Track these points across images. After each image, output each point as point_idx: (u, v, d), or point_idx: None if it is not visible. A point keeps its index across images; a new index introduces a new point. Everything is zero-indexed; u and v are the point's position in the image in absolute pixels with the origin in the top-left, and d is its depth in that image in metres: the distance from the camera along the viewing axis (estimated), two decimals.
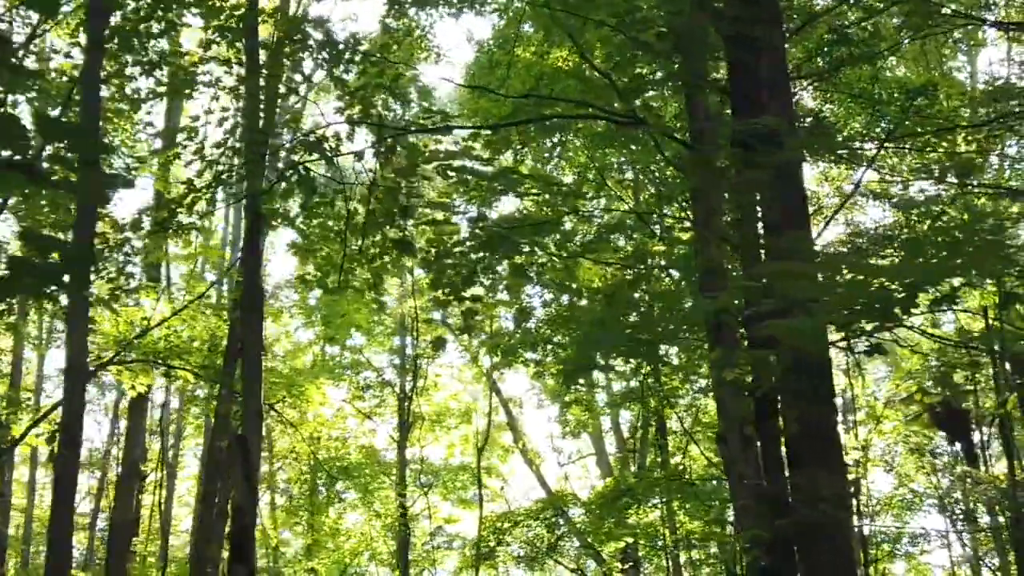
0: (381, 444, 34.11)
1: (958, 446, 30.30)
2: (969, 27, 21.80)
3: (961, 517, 21.04)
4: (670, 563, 28.07)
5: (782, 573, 10.95)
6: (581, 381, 30.48)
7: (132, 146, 14.43)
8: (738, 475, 12.53)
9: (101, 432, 33.20)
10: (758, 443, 11.67)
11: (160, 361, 17.72)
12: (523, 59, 20.85)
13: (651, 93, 13.18)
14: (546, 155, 23.17)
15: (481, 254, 11.35)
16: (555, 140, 21.44)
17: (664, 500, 24.34)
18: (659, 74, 11.78)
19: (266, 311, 32.74)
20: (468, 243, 11.64)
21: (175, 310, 17.80)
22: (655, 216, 17.90)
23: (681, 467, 25.03)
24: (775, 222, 11.17)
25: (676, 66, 11.12)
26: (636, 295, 13.04)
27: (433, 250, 11.67)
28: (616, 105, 11.73)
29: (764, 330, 9.58)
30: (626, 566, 26.47)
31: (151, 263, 19.14)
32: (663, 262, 12.13)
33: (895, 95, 19.14)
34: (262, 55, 12.05)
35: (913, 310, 7.11)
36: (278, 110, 12.18)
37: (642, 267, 11.94)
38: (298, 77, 11.89)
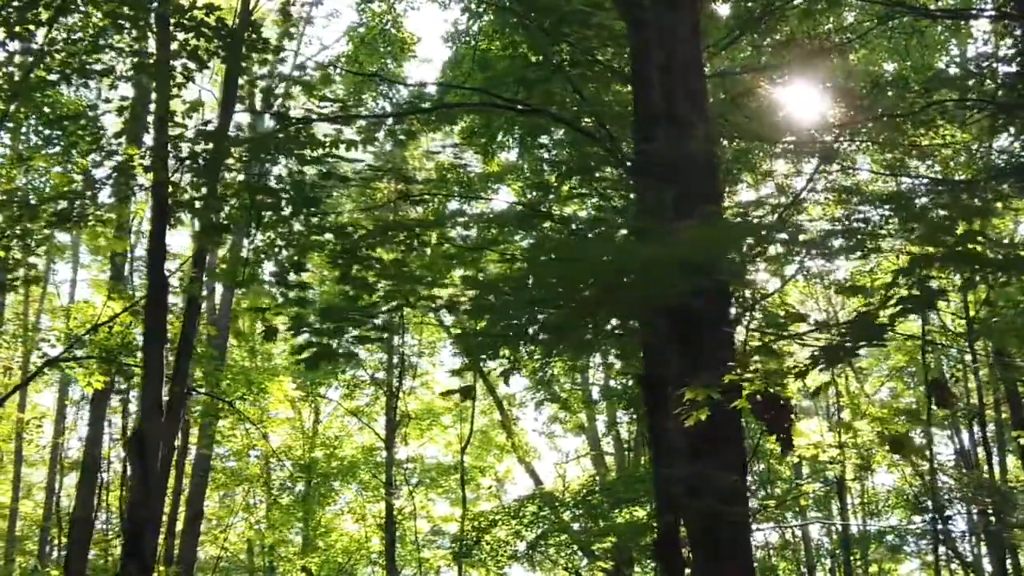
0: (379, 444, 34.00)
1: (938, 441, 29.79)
2: (959, 22, 21.54)
3: (937, 515, 20.65)
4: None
5: (675, 566, 10.72)
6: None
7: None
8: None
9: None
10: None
11: (111, 358, 17.64)
12: (488, 53, 20.71)
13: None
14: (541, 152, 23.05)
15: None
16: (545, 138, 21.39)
17: (643, 499, 23.99)
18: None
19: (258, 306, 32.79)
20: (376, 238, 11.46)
21: (124, 307, 17.68)
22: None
23: None
24: (685, 211, 10.95)
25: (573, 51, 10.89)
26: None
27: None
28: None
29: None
30: (608, 565, 26.21)
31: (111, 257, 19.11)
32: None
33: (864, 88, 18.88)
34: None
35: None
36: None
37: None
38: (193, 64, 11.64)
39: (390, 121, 11.63)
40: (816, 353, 6.44)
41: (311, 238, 11.72)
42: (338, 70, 20.67)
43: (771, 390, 7.15)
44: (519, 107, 10.91)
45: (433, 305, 9.12)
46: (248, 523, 33.29)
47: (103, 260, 32.58)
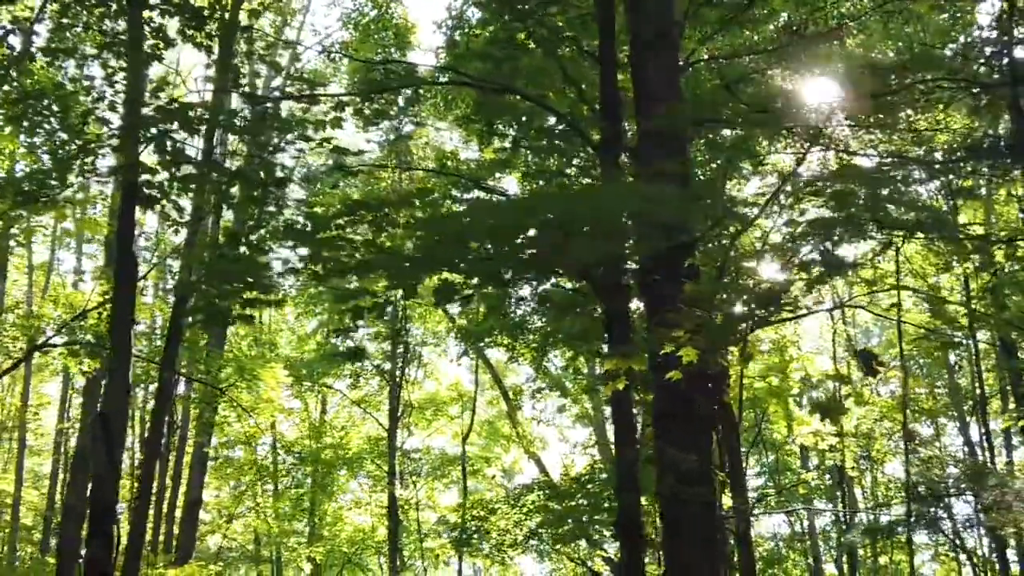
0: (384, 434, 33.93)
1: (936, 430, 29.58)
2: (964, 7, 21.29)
3: (934, 504, 20.45)
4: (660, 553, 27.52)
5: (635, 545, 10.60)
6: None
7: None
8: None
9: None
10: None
11: (101, 344, 17.61)
12: (483, 38, 20.61)
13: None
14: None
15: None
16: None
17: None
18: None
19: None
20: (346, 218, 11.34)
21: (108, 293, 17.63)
22: None
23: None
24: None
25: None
26: None
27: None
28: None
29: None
30: (610, 553, 26.03)
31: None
32: None
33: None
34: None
35: None
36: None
37: None
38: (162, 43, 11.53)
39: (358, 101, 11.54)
40: (727, 323, 6.30)
41: (281, 217, 11.66)
42: (333, 56, 20.61)
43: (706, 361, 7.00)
44: (484, 85, 10.78)
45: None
46: (254, 512, 33.28)
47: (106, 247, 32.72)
